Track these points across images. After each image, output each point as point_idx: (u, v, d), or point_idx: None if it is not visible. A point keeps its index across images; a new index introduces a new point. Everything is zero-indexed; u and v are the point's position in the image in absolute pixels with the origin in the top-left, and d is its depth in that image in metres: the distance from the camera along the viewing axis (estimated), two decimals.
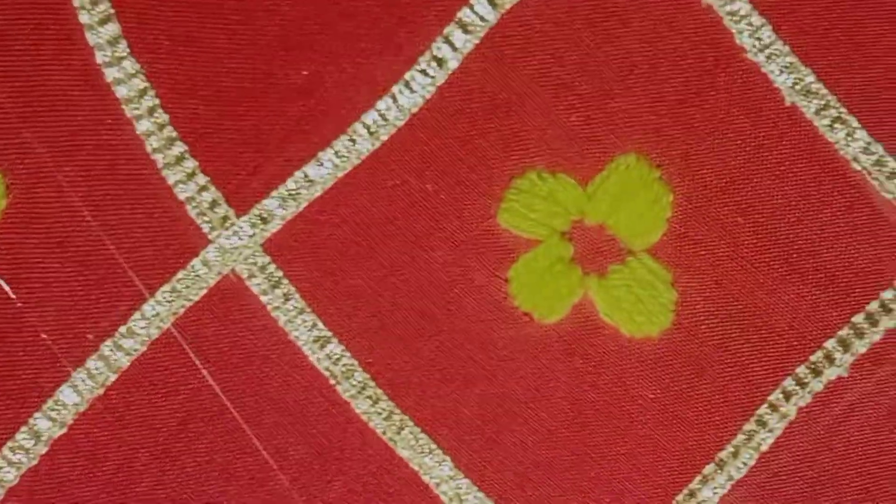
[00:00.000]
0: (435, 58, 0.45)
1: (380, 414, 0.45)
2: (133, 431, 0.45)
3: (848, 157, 0.45)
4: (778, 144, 0.45)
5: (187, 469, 0.45)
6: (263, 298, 0.45)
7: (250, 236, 0.45)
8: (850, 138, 0.45)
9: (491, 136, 0.45)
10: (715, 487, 0.45)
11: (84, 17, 0.45)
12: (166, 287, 0.44)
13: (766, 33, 0.45)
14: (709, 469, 0.45)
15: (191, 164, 0.44)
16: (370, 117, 0.45)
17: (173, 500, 0.45)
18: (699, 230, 0.45)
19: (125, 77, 0.45)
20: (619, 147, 0.45)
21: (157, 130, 0.44)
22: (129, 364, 0.44)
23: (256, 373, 0.45)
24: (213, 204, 0.45)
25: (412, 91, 0.45)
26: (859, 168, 0.45)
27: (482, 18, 0.45)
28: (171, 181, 0.44)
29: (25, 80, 0.45)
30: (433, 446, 0.45)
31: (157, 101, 0.44)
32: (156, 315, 0.44)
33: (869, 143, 0.45)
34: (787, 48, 0.45)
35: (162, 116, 0.44)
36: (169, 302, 0.44)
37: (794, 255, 0.45)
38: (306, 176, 0.45)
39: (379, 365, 0.45)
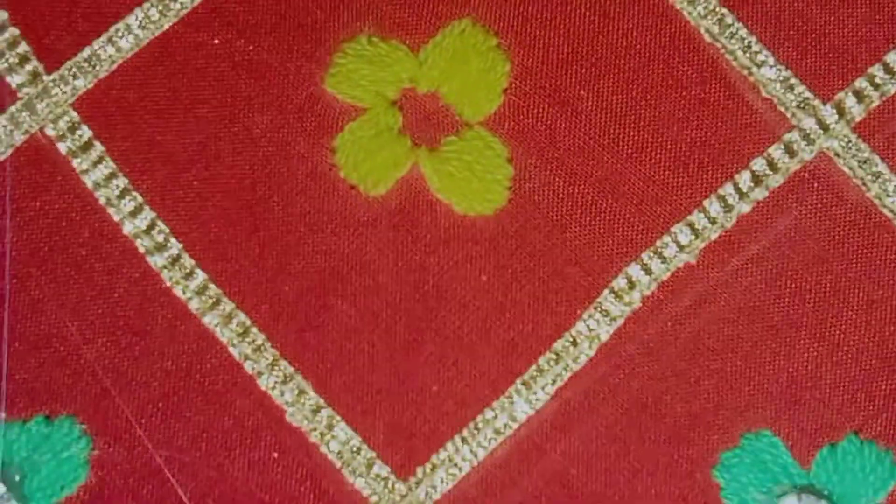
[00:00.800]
0: None
1: (192, 288, 0.43)
2: None
3: (701, 29, 0.43)
4: (625, 14, 0.43)
5: None
6: (73, 161, 0.43)
7: (60, 94, 0.43)
8: (702, 8, 0.43)
9: None
10: (551, 379, 0.42)
11: None
12: None
13: None
14: (545, 359, 0.42)
15: (1, 16, 0.43)
16: None
17: None
18: (539, 103, 0.43)
19: None
20: (454, 12, 0.43)
21: None
22: None
23: (63, 240, 0.43)
24: (24, 59, 0.43)
25: None
26: (712, 41, 0.43)
27: None
28: None
29: None
30: (248, 323, 0.42)
31: None
32: None
33: (723, 15, 0.43)
34: None
35: None
36: None
37: (642, 133, 0.43)
38: (120, 32, 0.43)
39: (195, 235, 0.43)
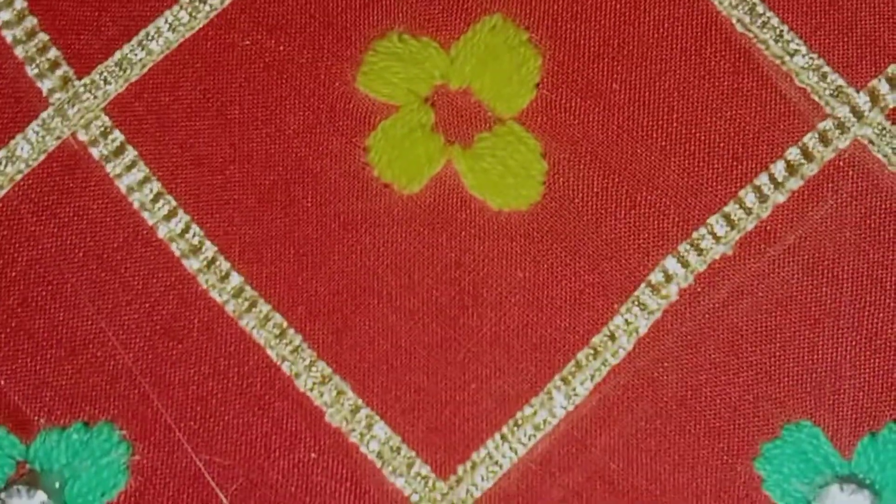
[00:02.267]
0: None
1: (229, 291, 0.43)
2: None
3: (732, 20, 0.44)
4: (655, 4, 0.44)
5: (24, 346, 0.43)
6: (106, 166, 0.44)
7: (92, 98, 0.44)
8: None
9: None
10: (590, 374, 0.43)
11: None
12: (3, 152, 0.44)
13: None
14: (582, 355, 0.43)
15: (31, 22, 0.44)
16: None
17: (9, 378, 0.43)
18: (571, 97, 0.44)
19: None
20: (485, 7, 0.44)
21: None
22: None
23: (98, 246, 0.44)
24: (54, 64, 0.44)
25: None
26: (744, 31, 0.44)
27: None
28: (9, 40, 0.44)
29: None
30: (285, 325, 0.43)
31: None
32: None
33: (755, 4, 0.44)
34: None
35: None
36: (6, 167, 0.43)
37: (675, 125, 0.44)
38: (151, 36, 0.44)
39: (229, 238, 0.44)
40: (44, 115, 0.44)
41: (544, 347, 0.43)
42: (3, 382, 0.43)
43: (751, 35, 0.44)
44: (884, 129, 0.44)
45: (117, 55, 0.44)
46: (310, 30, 0.44)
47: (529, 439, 0.43)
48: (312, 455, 0.43)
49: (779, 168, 0.44)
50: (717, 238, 0.43)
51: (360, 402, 0.43)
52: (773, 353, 0.43)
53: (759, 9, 0.44)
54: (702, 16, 0.44)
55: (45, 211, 0.44)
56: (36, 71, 0.44)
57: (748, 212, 0.43)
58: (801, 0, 0.44)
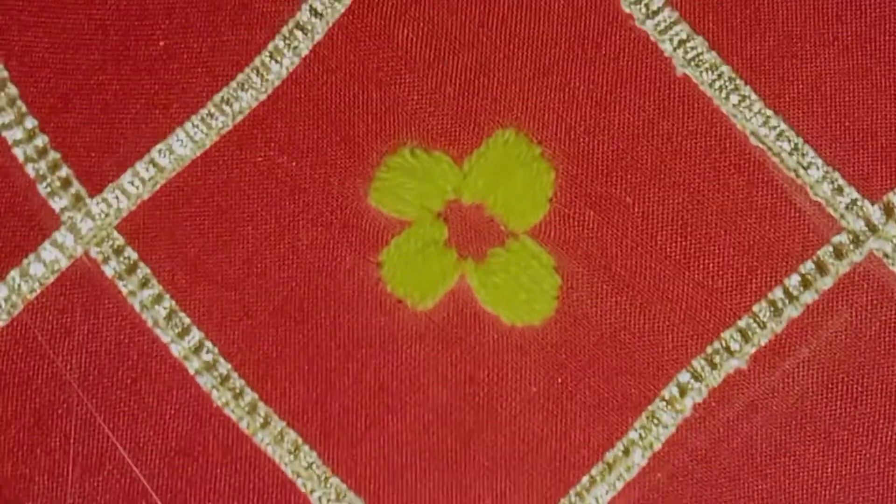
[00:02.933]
0: (299, 26, 0.45)
1: (243, 407, 0.45)
2: None
3: (747, 132, 0.44)
4: (669, 119, 0.45)
5: (42, 465, 0.44)
6: (119, 283, 0.45)
7: (104, 217, 0.44)
8: (747, 111, 0.45)
9: (360, 110, 0.45)
10: (604, 489, 0.44)
11: None
12: (15, 271, 0.44)
13: (656, 0, 0.44)
14: (597, 469, 0.44)
15: (41, 140, 0.45)
16: (230, 91, 0.45)
17: (31, 497, 0.44)
18: (584, 211, 0.45)
19: None
20: (498, 122, 0.46)
21: (7, 105, 0.46)
22: None
23: (112, 363, 0.45)
24: (65, 183, 0.45)
25: (276, 62, 0.45)
26: (759, 143, 0.44)
27: None
28: (21, 158, 0.45)
29: None
30: (300, 441, 0.44)
31: (6, 74, 0.46)
32: (6, 299, 0.44)
33: (769, 117, 0.44)
34: (676, 15, 0.45)
35: (12, 90, 0.46)
36: (19, 286, 0.44)
37: (689, 238, 0.45)
38: (162, 153, 0.45)
39: (243, 355, 0.45)
40: (56, 234, 0.44)
41: (559, 462, 0.45)
42: (21, 500, 0.43)
43: (765, 148, 0.44)
44: None
45: (129, 173, 0.45)
46: (322, 146, 0.45)
47: None
48: None
49: (793, 282, 0.44)
50: (731, 352, 0.44)
51: None
52: (787, 467, 0.44)
53: (773, 122, 0.44)
54: (716, 128, 0.45)
55: (59, 330, 0.45)
56: (48, 189, 0.44)
57: (762, 326, 0.44)
58: (816, 113, 0.45)
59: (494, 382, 0.47)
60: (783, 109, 0.46)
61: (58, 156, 0.46)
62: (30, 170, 0.46)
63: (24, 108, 0.47)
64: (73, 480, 0.46)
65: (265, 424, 0.46)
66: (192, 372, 0.46)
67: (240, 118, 0.46)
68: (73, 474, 0.46)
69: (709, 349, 0.46)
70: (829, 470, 0.46)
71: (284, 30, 0.46)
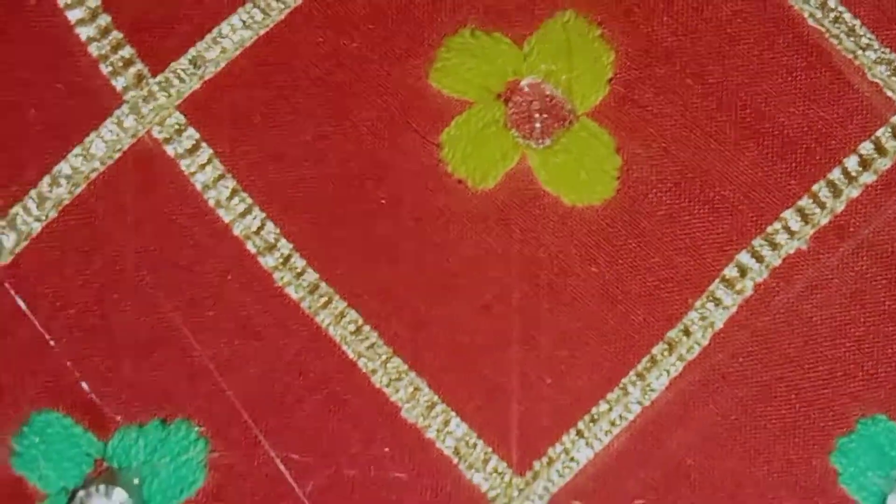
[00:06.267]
0: None
1: (304, 287, 0.47)
2: (44, 303, 0.48)
3: (804, 14, 0.47)
4: (729, 0, 0.47)
5: (100, 344, 0.47)
6: (181, 163, 0.48)
7: (166, 97, 0.47)
8: None
9: None
10: (665, 369, 0.47)
11: None
12: (78, 149, 0.47)
13: None
14: (658, 349, 0.47)
15: (104, 20, 0.48)
16: None
17: (86, 375, 0.47)
18: (644, 93, 0.48)
19: None
20: (557, 3, 0.48)
21: None
22: (40, 230, 0.47)
23: (174, 242, 0.48)
24: (128, 62, 0.48)
25: None
26: (816, 25, 0.47)
27: None
28: (84, 38, 0.48)
29: None
30: (361, 321, 0.47)
31: None
32: (68, 178, 0.46)
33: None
34: None
35: None
36: (81, 165, 0.47)
37: (749, 120, 0.48)
38: (224, 34, 0.48)
39: (304, 235, 0.48)
40: (118, 112, 0.47)
41: (619, 343, 0.47)
42: (80, 380, 0.46)
43: (823, 30, 0.47)
44: None
45: (191, 52, 0.48)
46: (382, 27, 0.48)
47: (605, 435, 0.46)
48: (388, 451, 0.46)
49: (852, 162, 0.47)
50: (791, 233, 0.47)
51: (436, 398, 0.46)
52: (847, 348, 0.47)
53: (831, 3, 0.47)
54: (774, 10, 0.48)
55: (121, 209, 0.48)
56: (110, 69, 0.47)
57: (822, 206, 0.47)
58: None
59: (555, 263, 0.49)
60: None
61: (120, 35, 0.49)
62: (92, 49, 0.49)
63: None
64: (134, 359, 0.48)
65: (326, 304, 0.49)
66: (253, 251, 0.49)
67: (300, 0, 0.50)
68: (133, 354, 0.48)
69: (769, 229, 0.49)
70: (890, 350, 0.48)
71: None
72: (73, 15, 0.49)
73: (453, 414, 0.48)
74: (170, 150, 0.49)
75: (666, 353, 0.49)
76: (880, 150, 0.49)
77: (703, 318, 0.49)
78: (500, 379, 0.49)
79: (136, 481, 0.48)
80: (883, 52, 0.50)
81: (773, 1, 0.50)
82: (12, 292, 0.49)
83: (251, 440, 0.48)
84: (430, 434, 0.48)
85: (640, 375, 0.49)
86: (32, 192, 0.49)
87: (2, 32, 0.49)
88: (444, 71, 0.49)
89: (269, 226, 0.49)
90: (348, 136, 0.49)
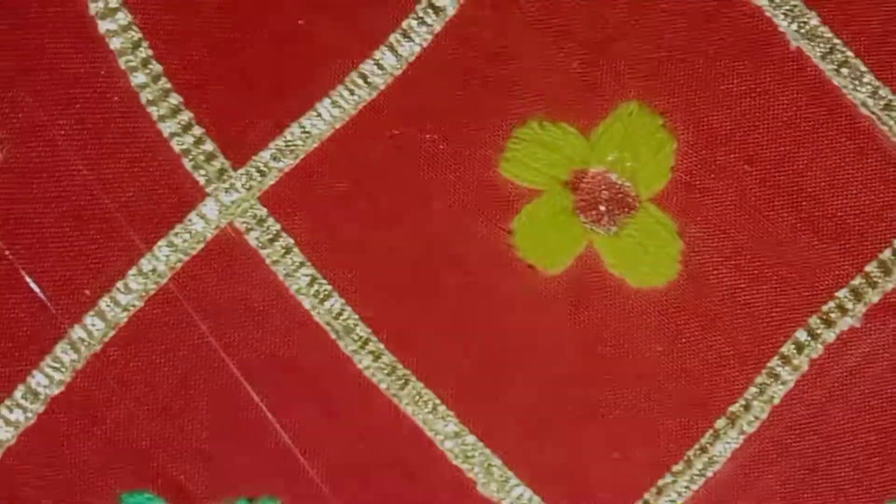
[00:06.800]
0: (432, 5, 0.50)
1: (382, 369, 0.49)
2: (132, 389, 0.50)
3: (856, 102, 0.50)
4: (784, 90, 0.50)
5: (187, 427, 0.49)
6: (262, 252, 0.50)
7: (247, 189, 0.49)
8: (857, 82, 0.51)
9: (490, 85, 0.50)
10: (727, 442, 0.49)
11: None
12: (163, 241, 0.49)
13: None
14: (720, 423, 0.50)
15: (186, 115, 0.50)
16: (367, 66, 0.50)
17: (173, 457, 0.49)
18: (704, 178, 0.50)
19: (119, 29, 0.51)
20: (622, 94, 0.50)
21: (151, 82, 0.50)
22: (126, 320, 0.50)
23: (256, 328, 0.50)
24: (210, 157, 0.50)
25: (409, 39, 0.50)
26: (868, 113, 0.49)
27: None
28: (166, 133, 0.50)
29: (17, 34, 0.49)
30: (437, 401, 0.49)
31: (150, 53, 0.51)
32: (153, 270, 0.49)
33: (878, 88, 0.50)
34: None
35: (156, 68, 0.50)
36: (167, 256, 0.49)
37: (804, 203, 0.50)
38: (303, 127, 0.50)
39: (380, 319, 0.50)
40: (201, 205, 0.49)
41: (683, 417, 0.50)
42: (169, 461, 0.48)
43: (874, 117, 0.49)
44: None
45: (271, 146, 0.49)
46: (455, 119, 0.50)
47: None
48: None
49: None
50: (844, 311, 0.49)
51: (510, 473, 0.48)
52: None
53: (882, 92, 0.50)
54: (828, 98, 0.51)
55: (204, 297, 0.49)
56: (193, 163, 0.49)
57: (874, 285, 0.50)
58: None
59: (621, 342, 0.52)
60: (891, 81, 0.52)
61: (201, 130, 0.52)
62: (175, 144, 0.51)
63: (168, 84, 0.51)
64: (220, 440, 0.51)
65: (404, 386, 0.51)
66: (333, 336, 0.51)
67: (375, 94, 0.52)
68: (218, 434, 0.51)
69: (824, 308, 0.52)
70: None
71: (419, 8, 0.52)
72: (156, 111, 0.51)
73: (529, 490, 0.51)
74: (251, 239, 0.51)
75: (728, 427, 0.52)
76: None
77: (762, 393, 0.52)
78: (570, 453, 0.52)
79: None
80: None
81: (826, 90, 0.52)
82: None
83: None
84: None
85: (703, 448, 0.52)
86: (119, 284, 0.51)
87: (86, 128, 0.51)
88: (514, 161, 0.51)
89: (348, 311, 0.51)
90: (421, 224, 0.51)
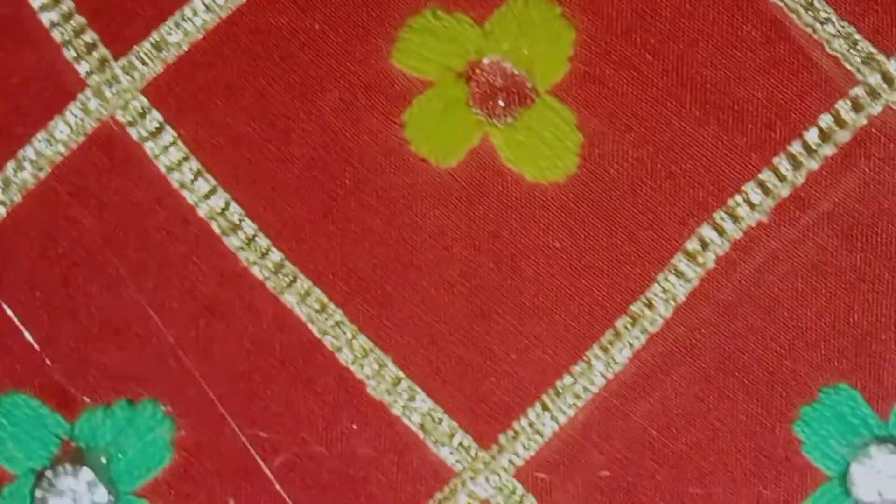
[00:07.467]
0: None
1: (269, 267, 0.48)
2: (10, 288, 0.47)
3: None
4: None
5: (67, 326, 0.48)
6: (145, 146, 0.49)
7: (129, 80, 0.48)
8: None
9: None
10: (629, 342, 0.47)
11: None
12: (42, 134, 0.48)
13: None
14: (621, 322, 0.48)
15: (67, 5, 0.48)
16: None
17: (58, 358, 0.47)
18: (605, 70, 0.49)
19: None
20: None
21: None
22: (6, 215, 0.48)
23: (139, 224, 0.49)
24: (91, 47, 0.49)
25: None
26: (775, 0, 0.48)
27: None
28: (46, 23, 0.48)
29: None
30: (326, 300, 0.48)
31: None
32: (33, 162, 0.47)
33: None
34: None
35: None
36: (46, 149, 0.47)
37: (709, 95, 0.49)
38: (186, 16, 0.48)
39: (268, 215, 0.49)
40: (82, 97, 0.48)
41: (583, 316, 0.48)
42: (47, 362, 0.47)
43: (782, 4, 0.48)
44: None
45: (154, 36, 0.48)
46: (344, 8, 0.50)
47: (570, 408, 0.47)
48: (355, 427, 0.47)
49: (812, 135, 0.48)
50: (752, 205, 0.48)
51: (401, 374, 0.47)
52: (809, 318, 0.48)
53: None
54: None
55: (86, 192, 0.49)
56: (73, 54, 0.49)
57: (782, 179, 0.48)
58: None
59: (518, 239, 0.50)
60: None
61: (83, 20, 0.51)
62: (56, 34, 0.50)
63: None
64: (101, 340, 0.49)
65: (291, 283, 0.50)
66: (218, 232, 0.50)
67: None
68: (100, 335, 0.49)
69: (730, 202, 0.50)
70: (851, 320, 0.49)
71: None
72: (37, 1, 0.50)
73: (419, 389, 0.49)
74: (134, 133, 0.50)
75: (629, 327, 0.50)
76: (839, 122, 0.50)
77: (665, 291, 0.50)
78: (465, 354, 0.50)
79: (103, 461, 0.49)
80: (841, 26, 0.51)
81: None
82: None
83: (217, 419, 0.50)
84: (396, 410, 0.49)
85: (603, 349, 0.50)
86: None
87: None
88: (406, 51, 0.50)
89: (234, 206, 0.50)
90: (311, 117, 0.50)
